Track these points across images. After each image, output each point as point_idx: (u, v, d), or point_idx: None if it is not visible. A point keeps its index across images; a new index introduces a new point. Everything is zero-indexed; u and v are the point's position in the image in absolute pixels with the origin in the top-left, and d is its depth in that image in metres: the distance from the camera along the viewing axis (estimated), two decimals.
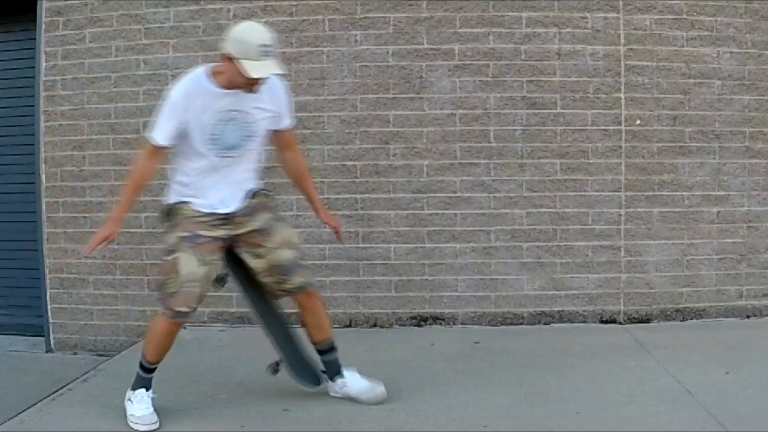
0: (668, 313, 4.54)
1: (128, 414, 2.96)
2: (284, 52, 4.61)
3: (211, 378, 3.54)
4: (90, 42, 4.73)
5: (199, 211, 2.93)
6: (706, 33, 4.51)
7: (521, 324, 4.52)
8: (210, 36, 4.63)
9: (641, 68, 4.50)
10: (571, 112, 4.52)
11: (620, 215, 4.54)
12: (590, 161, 4.53)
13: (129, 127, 4.71)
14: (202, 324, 4.64)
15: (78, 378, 3.60)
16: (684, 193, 4.55)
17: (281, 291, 3.09)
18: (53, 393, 3.36)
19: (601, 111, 4.52)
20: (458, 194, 4.56)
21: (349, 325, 4.59)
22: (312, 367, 3.22)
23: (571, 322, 4.52)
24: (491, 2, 4.53)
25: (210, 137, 2.85)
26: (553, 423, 2.86)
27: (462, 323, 4.55)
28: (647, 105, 4.52)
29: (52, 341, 4.81)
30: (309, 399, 3.19)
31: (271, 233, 3.00)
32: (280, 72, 2.83)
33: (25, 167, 4.99)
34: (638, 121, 4.52)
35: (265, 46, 2.75)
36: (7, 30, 5.17)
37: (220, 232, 2.95)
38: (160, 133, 2.87)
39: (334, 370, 3.18)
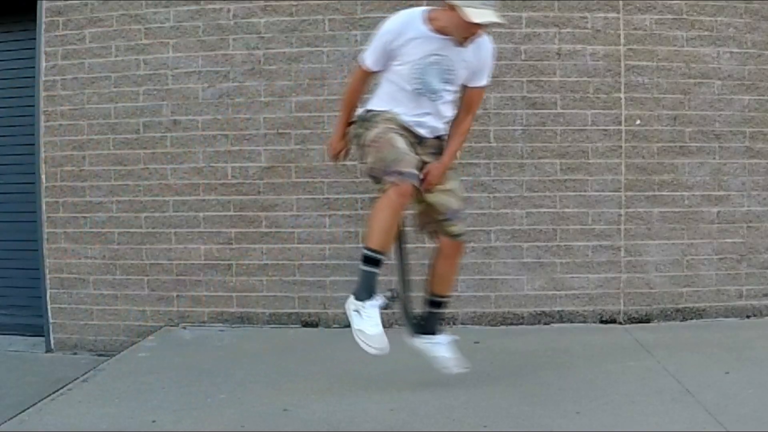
0: (668, 313, 4.53)
1: (355, 327, 2.88)
2: (284, 52, 4.62)
3: (211, 378, 3.54)
4: (90, 42, 4.73)
5: (402, 120, 3.03)
6: (706, 33, 4.51)
7: (521, 324, 4.52)
8: (210, 36, 4.64)
9: (641, 68, 4.50)
10: (571, 112, 4.52)
11: (620, 215, 4.54)
12: (590, 161, 4.53)
13: (129, 127, 4.71)
14: (202, 324, 4.64)
15: (78, 378, 3.60)
16: (684, 193, 4.55)
17: (432, 228, 3.17)
18: (53, 393, 3.36)
19: (601, 111, 4.52)
20: None
21: (349, 325, 4.57)
22: (413, 322, 3.26)
23: (571, 322, 4.52)
24: None
25: (415, 74, 2.99)
26: (553, 423, 2.86)
27: (462, 323, 4.55)
28: (647, 105, 4.52)
29: (52, 341, 4.80)
30: (309, 399, 3.20)
31: (444, 178, 3.10)
32: (500, 21, 2.88)
33: (25, 167, 4.99)
34: (638, 121, 4.52)
35: None
36: (7, 30, 5.16)
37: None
38: (370, 59, 3.05)
39: (431, 327, 3.24)
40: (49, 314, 4.80)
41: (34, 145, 4.83)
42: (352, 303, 2.91)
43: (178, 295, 4.69)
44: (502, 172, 4.54)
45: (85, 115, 4.75)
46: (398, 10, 4.47)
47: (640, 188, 4.53)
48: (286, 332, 4.50)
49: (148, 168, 4.70)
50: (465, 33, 2.90)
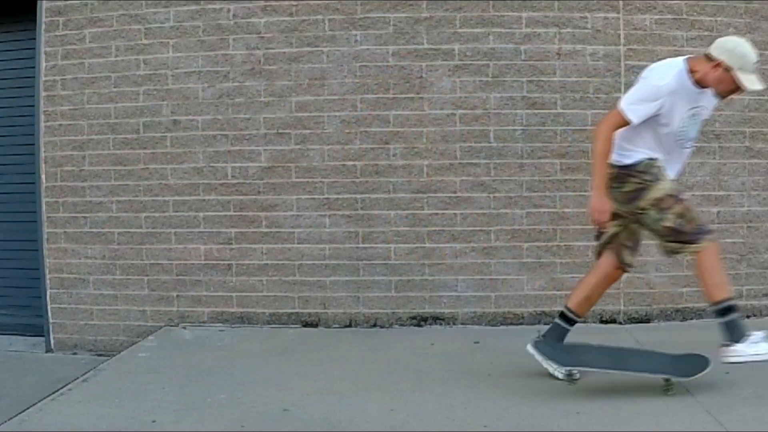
0: (668, 313, 4.53)
1: (755, 352, 3.04)
2: (284, 52, 4.62)
3: (211, 378, 3.54)
4: (90, 42, 4.73)
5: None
6: (706, 33, 4.51)
7: (521, 324, 4.52)
8: (210, 36, 4.64)
9: (641, 68, 4.47)
10: (571, 112, 4.52)
11: None
12: (590, 161, 4.51)
13: (129, 127, 4.71)
14: (202, 324, 4.64)
15: (78, 378, 3.60)
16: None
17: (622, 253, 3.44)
18: (53, 393, 3.36)
19: (601, 111, 4.49)
20: (458, 194, 4.56)
21: (349, 325, 4.59)
22: (687, 356, 3.30)
23: None
24: (491, 2, 4.53)
25: (679, 131, 3.11)
26: (553, 423, 2.86)
27: (462, 323, 4.55)
28: None
29: (52, 341, 4.80)
30: (309, 399, 3.20)
31: None
32: (763, 87, 3.04)
33: (25, 167, 4.99)
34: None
35: (757, 62, 3.01)
36: (7, 30, 5.17)
37: None
38: (635, 113, 3.06)
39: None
40: (49, 314, 4.81)
41: (34, 145, 4.83)
42: (744, 347, 3.05)
43: (178, 295, 4.69)
44: (502, 172, 4.54)
45: (85, 115, 4.75)
46: (398, 9, 4.57)
47: None
48: (286, 332, 4.50)
49: (148, 168, 4.70)
50: (729, 91, 3.05)
